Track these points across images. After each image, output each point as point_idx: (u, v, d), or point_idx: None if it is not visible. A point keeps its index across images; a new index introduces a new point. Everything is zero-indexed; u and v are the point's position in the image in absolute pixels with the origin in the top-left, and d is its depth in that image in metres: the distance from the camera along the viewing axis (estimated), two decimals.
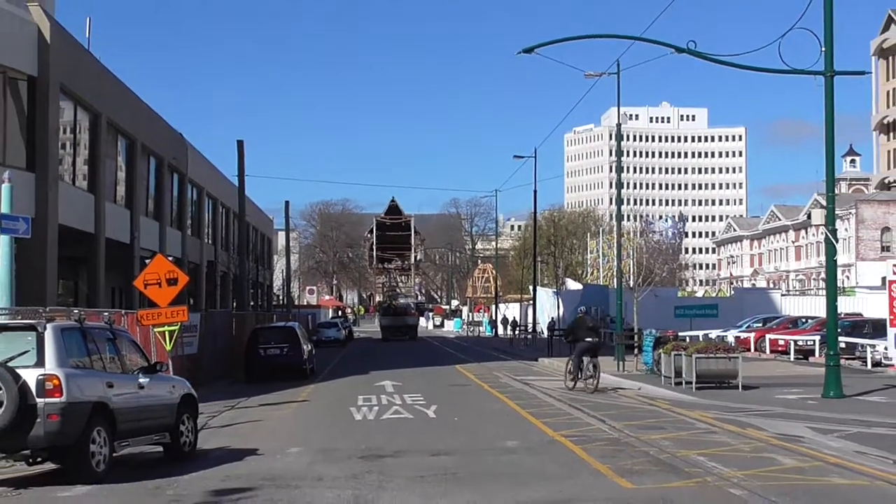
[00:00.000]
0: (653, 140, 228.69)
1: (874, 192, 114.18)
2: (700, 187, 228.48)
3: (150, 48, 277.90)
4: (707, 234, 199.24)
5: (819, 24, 23.05)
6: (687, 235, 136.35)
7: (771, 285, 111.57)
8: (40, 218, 26.85)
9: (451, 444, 16.75)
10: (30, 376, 12.78)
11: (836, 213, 24.50)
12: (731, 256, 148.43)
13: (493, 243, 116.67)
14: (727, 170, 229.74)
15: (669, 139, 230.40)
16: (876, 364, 32.23)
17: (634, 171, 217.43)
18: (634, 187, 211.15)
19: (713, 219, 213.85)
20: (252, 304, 67.73)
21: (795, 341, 39.33)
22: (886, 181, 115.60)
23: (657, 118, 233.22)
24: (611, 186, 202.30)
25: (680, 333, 36.35)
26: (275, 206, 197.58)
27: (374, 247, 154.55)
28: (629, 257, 44.60)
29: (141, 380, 14.90)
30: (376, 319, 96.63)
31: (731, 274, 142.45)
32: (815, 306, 53.03)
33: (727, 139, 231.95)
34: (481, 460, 14.92)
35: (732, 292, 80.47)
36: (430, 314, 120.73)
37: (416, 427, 19.48)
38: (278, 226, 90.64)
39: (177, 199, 47.77)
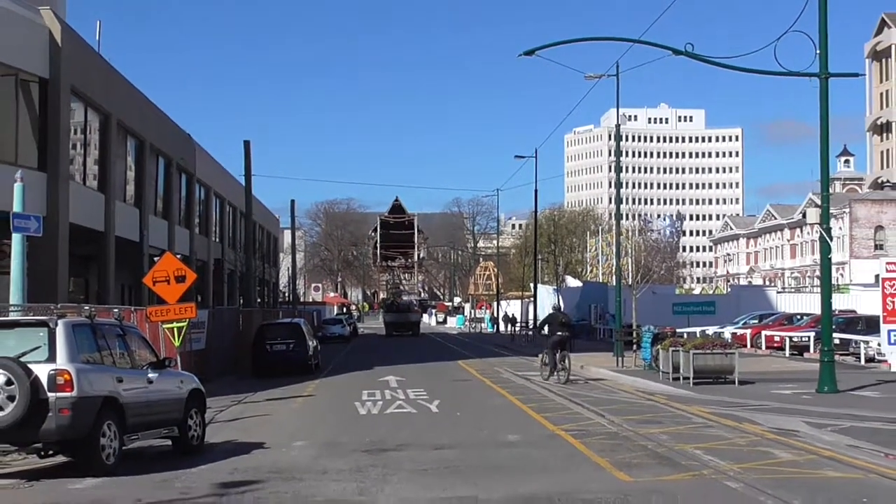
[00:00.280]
0: (651, 140, 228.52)
1: (868, 191, 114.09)
2: (697, 187, 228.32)
3: (159, 50, 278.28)
4: (704, 232, 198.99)
5: (814, 27, 23.04)
6: (684, 234, 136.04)
7: (767, 283, 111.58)
8: (52, 217, 26.89)
9: (453, 438, 16.75)
10: (41, 371, 12.80)
11: (831, 212, 24.50)
12: (728, 254, 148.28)
13: (495, 241, 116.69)
14: (724, 170, 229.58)
15: (667, 140, 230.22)
16: (869, 360, 32.20)
17: (633, 171, 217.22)
18: (633, 187, 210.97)
19: (710, 218, 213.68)
20: (258, 300, 67.85)
21: (791, 338, 39.31)
22: (879, 181, 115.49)
23: (655, 119, 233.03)
24: (610, 186, 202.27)
25: (678, 330, 36.33)
26: (281, 206, 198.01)
27: (378, 245, 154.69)
28: (628, 255, 44.48)
29: (150, 375, 14.92)
30: (380, 316, 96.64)
31: (727, 272, 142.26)
32: (809, 303, 52.99)
33: (724, 140, 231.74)
34: (483, 454, 14.91)
35: (729, 290, 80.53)
36: (433, 311, 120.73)
37: (419, 421, 19.47)
38: (284, 224, 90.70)
39: (185, 199, 47.81)
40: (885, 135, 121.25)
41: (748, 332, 44.04)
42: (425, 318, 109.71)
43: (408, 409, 21.77)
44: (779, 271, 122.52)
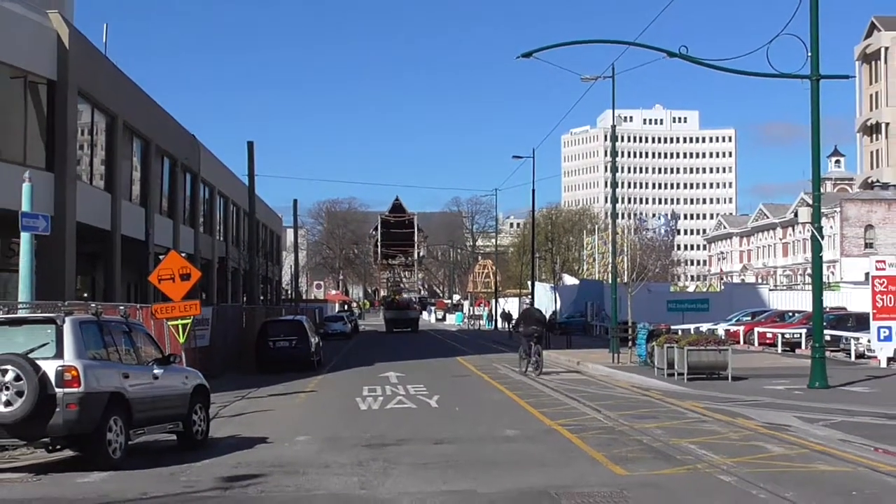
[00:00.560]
0: (646, 141, 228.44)
1: (858, 191, 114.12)
2: (691, 186, 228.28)
3: (165, 53, 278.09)
4: (698, 231, 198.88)
5: (805, 30, 23.04)
6: (679, 233, 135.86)
7: (759, 281, 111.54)
8: (59, 216, 26.86)
9: (452, 432, 16.76)
10: (49, 367, 12.81)
11: (822, 211, 24.47)
12: (722, 253, 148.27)
13: (493, 240, 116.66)
14: (717, 170, 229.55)
15: (662, 140, 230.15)
16: (859, 356, 32.21)
17: (629, 171, 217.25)
18: (628, 186, 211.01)
19: (704, 217, 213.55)
20: (262, 298, 67.81)
21: (783, 334, 39.33)
22: (869, 180, 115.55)
23: (650, 120, 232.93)
24: (606, 185, 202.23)
25: (672, 327, 36.33)
26: (283, 205, 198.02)
27: (379, 243, 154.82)
28: (623, 254, 44.51)
29: (155, 371, 14.92)
30: (381, 313, 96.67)
31: (721, 270, 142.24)
32: (801, 301, 53.02)
33: (717, 140, 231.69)
34: (482, 448, 14.92)
35: (722, 287, 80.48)
36: (433, 308, 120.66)
37: (419, 416, 19.48)
38: (287, 223, 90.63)
39: (189, 198, 47.76)
40: (874, 136, 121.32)
41: (741, 328, 44.05)
42: (425, 315, 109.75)
43: (408, 404, 21.77)
44: (771, 269, 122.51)
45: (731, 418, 17.54)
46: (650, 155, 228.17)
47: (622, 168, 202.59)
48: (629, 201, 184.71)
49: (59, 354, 13.03)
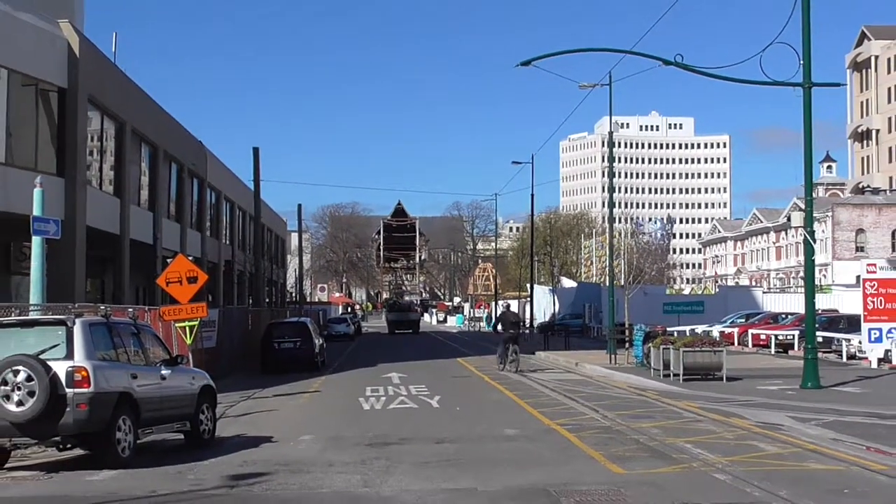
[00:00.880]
0: (643, 147, 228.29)
1: (849, 196, 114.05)
2: (687, 191, 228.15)
3: (173, 61, 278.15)
4: (693, 235, 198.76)
5: (798, 38, 23.06)
6: (675, 237, 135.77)
7: (753, 283, 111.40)
8: (69, 220, 26.87)
9: (453, 432, 16.75)
10: (60, 368, 12.82)
11: (814, 215, 24.46)
12: (716, 256, 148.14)
13: (493, 244, 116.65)
14: (712, 175, 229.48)
15: (658, 146, 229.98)
16: (851, 357, 32.19)
17: (625, 177, 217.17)
18: (625, 191, 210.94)
19: (699, 221, 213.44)
20: (267, 300, 67.78)
21: (776, 336, 39.30)
22: (860, 186, 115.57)
23: (647, 126, 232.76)
24: (603, 190, 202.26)
25: (668, 328, 36.26)
26: (288, 209, 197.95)
27: (382, 247, 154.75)
28: (620, 257, 44.52)
29: (163, 372, 14.92)
30: (383, 315, 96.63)
31: (715, 273, 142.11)
32: (794, 303, 52.95)
33: (712, 146, 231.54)
34: (482, 447, 14.91)
35: (717, 290, 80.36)
36: (434, 310, 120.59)
37: (421, 416, 19.47)
38: (291, 227, 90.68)
39: (196, 203, 47.78)
40: (865, 142, 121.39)
41: (735, 330, 44.03)
42: (426, 317, 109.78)
43: (410, 404, 21.76)
44: (765, 272, 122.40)
45: (726, 418, 17.53)
46: (647, 161, 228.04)
47: (619, 173, 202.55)
48: (626, 206, 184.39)
49: (69, 355, 13.04)
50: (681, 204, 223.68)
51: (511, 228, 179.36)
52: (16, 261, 29.62)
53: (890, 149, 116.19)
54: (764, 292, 67.17)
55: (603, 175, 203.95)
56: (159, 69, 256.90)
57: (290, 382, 28.57)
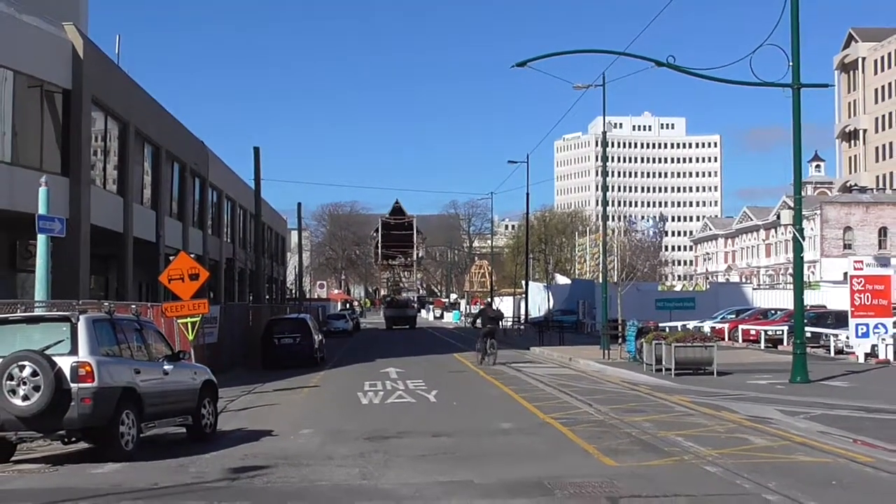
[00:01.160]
0: (635, 146, 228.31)
1: (837, 194, 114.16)
2: (679, 190, 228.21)
3: (176, 63, 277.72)
4: (685, 233, 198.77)
5: (787, 40, 23.08)
6: (666, 234, 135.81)
7: (743, 280, 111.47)
8: (74, 219, 26.83)
9: (450, 426, 16.75)
10: (65, 363, 12.82)
11: (803, 213, 24.49)
12: (707, 253, 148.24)
13: (489, 241, 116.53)
14: (704, 174, 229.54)
15: (650, 146, 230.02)
16: (838, 352, 32.24)
17: (618, 175, 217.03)
18: (618, 190, 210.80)
19: (691, 219, 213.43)
20: (267, 297, 67.71)
21: (766, 331, 39.33)
22: (848, 184, 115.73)
23: (639, 126, 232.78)
24: (597, 189, 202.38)
25: (660, 324, 36.30)
26: (288, 208, 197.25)
27: (380, 245, 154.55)
28: (614, 254, 44.52)
29: (165, 367, 14.92)
30: (381, 311, 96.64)
31: (707, 270, 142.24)
32: (783, 299, 53.03)
33: (703, 146, 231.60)
34: (478, 441, 14.92)
35: (708, 286, 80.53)
36: (431, 307, 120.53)
37: (419, 410, 19.47)
38: (291, 225, 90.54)
39: (198, 202, 47.73)
40: (852, 141, 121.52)
41: (726, 326, 44.07)
42: (424, 313, 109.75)
43: (407, 398, 21.76)
44: (755, 269, 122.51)
45: (717, 412, 17.55)
46: (639, 160, 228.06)
47: (612, 172, 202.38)
48: (619, 204, 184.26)
49: (73, 351, 13.03)
50: (672, 202, 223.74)
51: (507, 226, 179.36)
52: (21, 258, 29.56)
53: (877, 148, 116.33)
54: (754, 289, 67.21)
55: (596, 174, 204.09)
56: (162, 71, 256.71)
57: (290, 377, 28.55)
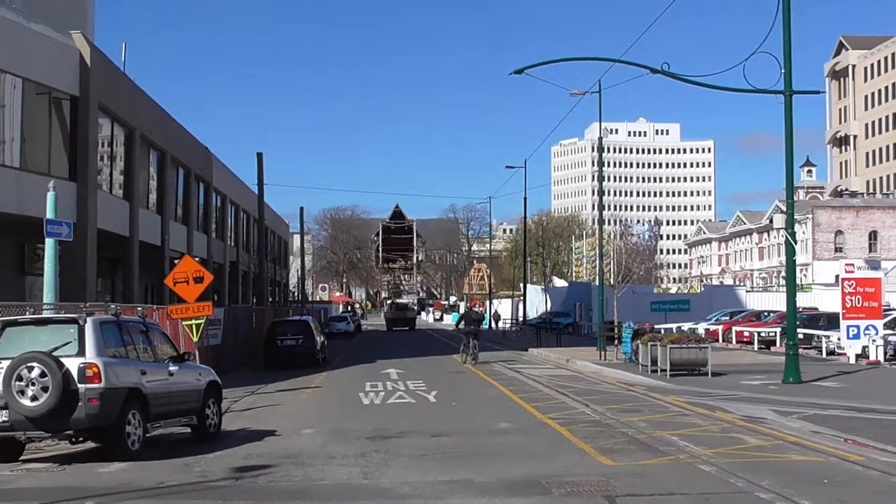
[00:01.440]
0: (631, 152, 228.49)
1: (828, 198, 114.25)
2: (673, 195, 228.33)
3: (180, 70, 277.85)
4: (680, 236, 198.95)
5: (779, 48, 23.11)
6: (662, 238, 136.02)
7: (737, 282, 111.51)
8: (81, 223, 26.86)
9: (450, 425, 16.74)
10: (72, 364, 12.81)
11: (795, 217, 24.51)
12: (702, 257, 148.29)
13: (488, 245, 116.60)
14: (698, 179, 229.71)
15: (646, 151, 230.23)
16: (830, 353, 32.25)
17: (614, 180, 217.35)
18: (614, 195, 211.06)
19: (685, 223, 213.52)
20: (270, 299, 67.78)
21: (759, 333, 39.34)
22: (839, 189, 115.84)
23: (635, 132, 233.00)
24: (593, 194, 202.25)
25: (656, 326, 36.38)
26: (291, 212, 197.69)
27: (380, 248, 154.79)
28: (610, 257, 44.54)
29: (171, 368, 14.92)
30: (382, 314, 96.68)
31: (701, 272, 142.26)
32: (776, 301, 53.03)
33: (698, 151, 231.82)
34: (477, 440, 14.91)
35: (703, 289, 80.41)
36: (431, 309, 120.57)
37: (419, 411, 19.46)
38: (294, 229, 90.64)
39: (203, 206, 47.76)
40: (843, 147, 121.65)
41: (720, 327, 44.07)
42: (424, 315, 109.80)
43: (408, 399, 21.75)
44: (748, 272, 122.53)
45: (711, 412, 17.55)
46: (635, 165, 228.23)
47: (608, 177, 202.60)
48: (615, 208, 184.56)
49: (81, 352, 13.03)
50: (667, 206, 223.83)
51: (505, 230, 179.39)
52: (30, 262, 29.59)
53: (867, 154, 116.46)
54: (747, 291, 67.21)
55: (593, 179, 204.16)
56: (167, 77, 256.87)
57: (293, 378, 28.53)
